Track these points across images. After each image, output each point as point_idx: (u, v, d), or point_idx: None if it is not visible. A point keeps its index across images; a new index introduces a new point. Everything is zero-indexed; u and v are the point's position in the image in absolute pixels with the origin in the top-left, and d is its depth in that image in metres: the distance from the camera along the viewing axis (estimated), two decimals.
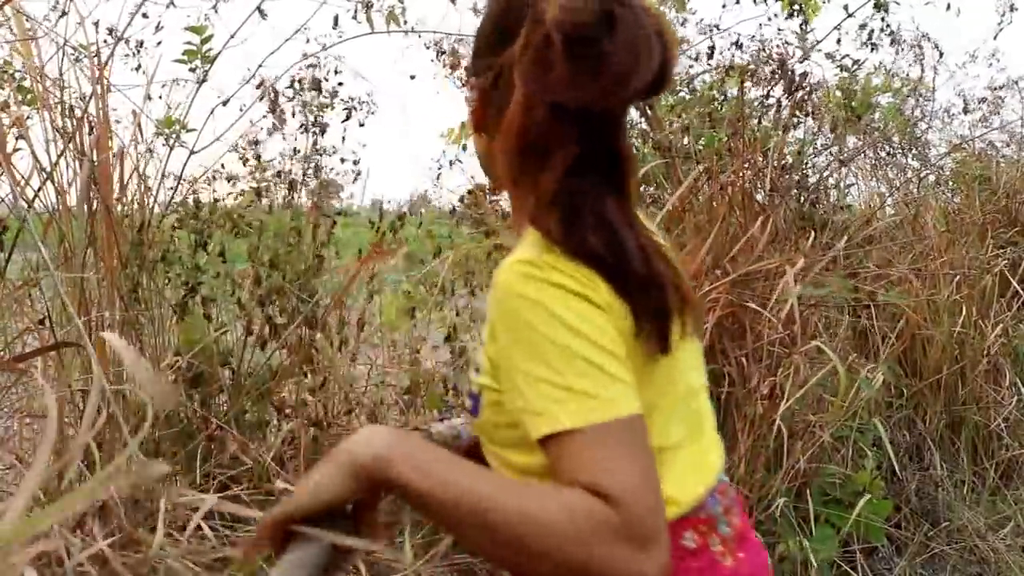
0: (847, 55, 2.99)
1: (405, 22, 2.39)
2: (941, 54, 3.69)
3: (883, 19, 2.97)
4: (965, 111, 4.23)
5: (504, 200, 2.81)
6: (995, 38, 3.76)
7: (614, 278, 0.68)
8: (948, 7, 3.15)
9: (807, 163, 2.89)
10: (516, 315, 0.66)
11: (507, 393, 0.69)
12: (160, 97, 2.17)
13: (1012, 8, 3.47)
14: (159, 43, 2.22)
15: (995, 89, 4.60)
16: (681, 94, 2.89)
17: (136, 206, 1.97)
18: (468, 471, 0.63)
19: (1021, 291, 3.34)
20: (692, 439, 0.78)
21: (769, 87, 2.69)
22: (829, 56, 2.96)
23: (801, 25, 2.73)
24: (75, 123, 1.78)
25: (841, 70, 3.01)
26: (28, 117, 1.82)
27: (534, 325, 0.65)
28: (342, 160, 2.58)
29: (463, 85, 2.77)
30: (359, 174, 2.60)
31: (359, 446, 0.66)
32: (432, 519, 0.64)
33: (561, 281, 0.66)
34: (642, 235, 0.73)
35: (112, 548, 1.35)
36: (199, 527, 1.43)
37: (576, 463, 0.61)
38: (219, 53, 2.08)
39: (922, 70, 3.78)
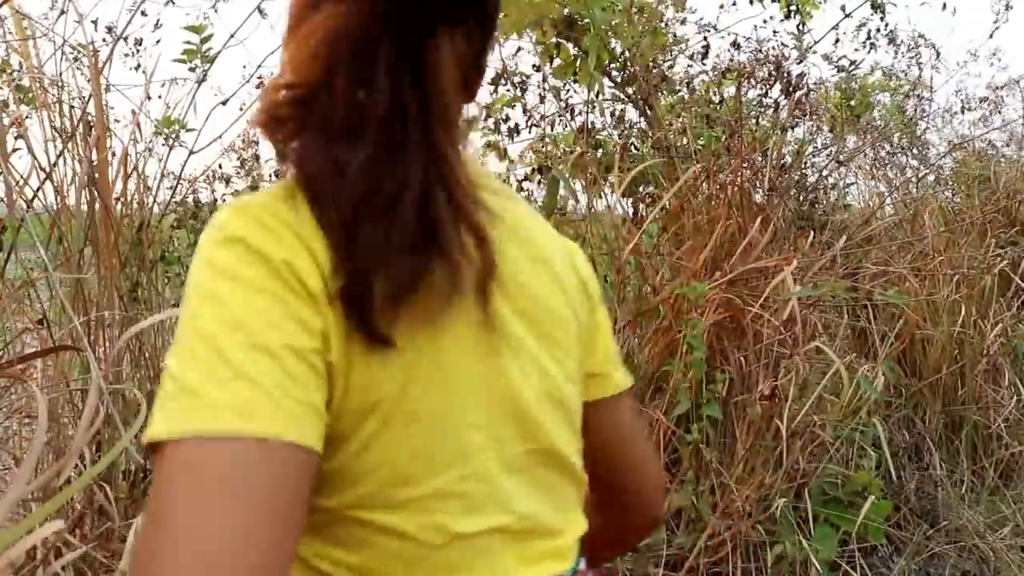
0: (844, 56, 3.00)
1: None
2: (938, 54, 3.70)
3: (882, 18, 2.98)
4: (963, 110, 4.24)
5: None
6: (991, 37, 3.77)
7: (363, 220, 0.46)
8: (944, 7, 3.16)
9: (806, 163, 2.89)
10: (190, 272, 0.47)
11: None
12: (159, 96, 2.18)
13: (1008, 7, 3.48)
14: (158, 42, 2.22)
15: (996, 88, 4.61)
16: (680, 94, 2.89)
17: (136, 206, 1.97)
18: None
19: (1021, 291, 3.34)
20: (542, 515, 0.56)
21: (766, 88, 2.69)
22: (826, 58, 2.98)
23: (798, 26, 2.73)
24: (74, 123, 1.78)
25: (838, 71, 3.02)
26: (27, 117, 1.82)
27: (189, 293, 0.46)
28: None
29: None
30: None
31: None
32: None
33: (244, 233, 0.46)
34: (454, 175, 0.49)
35: (105, 549, 1.34)
36: None
37: (149, 501, 0.40)
38: (219, 53, 2.08)
39: (920, 70, 3.79)
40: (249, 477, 0.39)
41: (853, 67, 3.11)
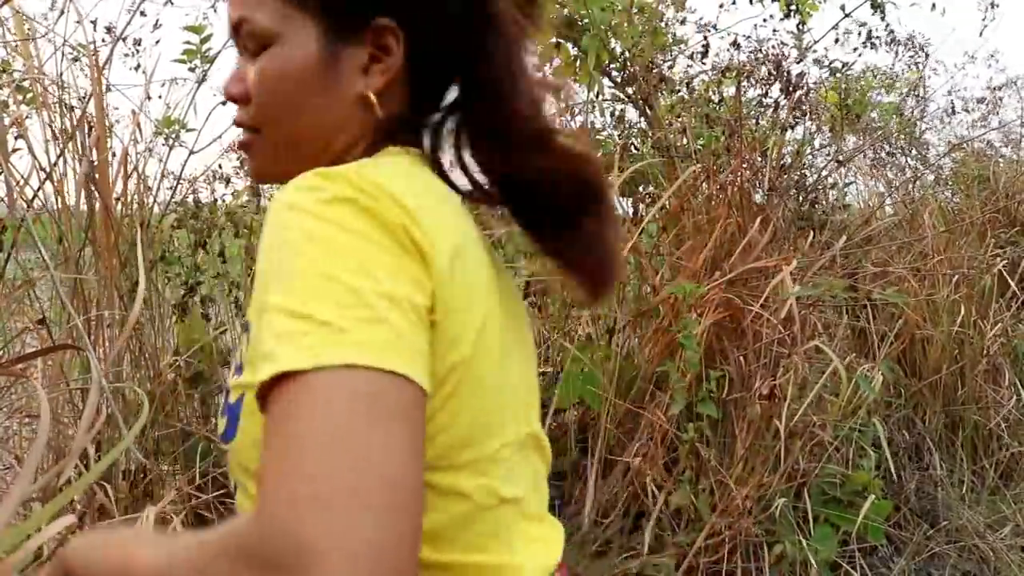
0: (836, 58, 3.01)
1: None
2: (927, 55, 3.71)
3: (882, 18, 2.98)
4: (953, 111, 4.25)
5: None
6: (980, 35, 3.78)
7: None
8: (933, 7, 3.16)
9: (806, 163, 2.89)
10: (274, 230, 0.45)
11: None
12: (159, 96, 2.18)
13: (994, 5, 3.48)
14: (158, 42, 2.23)
15: (994, 89, 4.62)
16: (680, 94, 2.89)
17: (136, 206, 1.98)
18: (148, 542, 0.45)
19: (1020, 291, 3.34)
20: (532, 497, 0.58)
21: (766, 88, 2.69)
22: (817, 62, 2.98)
23: (798, 26, 2.73)
24: (74, 123, 1.78)
25: (832, 73, 3.02)
26: (27, 117, 1.82)
27: (292, 238, 0.43)
28: None
29: None
30: None
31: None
32: None
33: (352, 195, 0.45)
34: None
35: None
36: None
37: (270, 437, 0.38)
38: (219, 53, 2.09)
39: (919, 70, 3.80)
40: (400, 410, 0.39)
41: (845, 68, 3.12)
